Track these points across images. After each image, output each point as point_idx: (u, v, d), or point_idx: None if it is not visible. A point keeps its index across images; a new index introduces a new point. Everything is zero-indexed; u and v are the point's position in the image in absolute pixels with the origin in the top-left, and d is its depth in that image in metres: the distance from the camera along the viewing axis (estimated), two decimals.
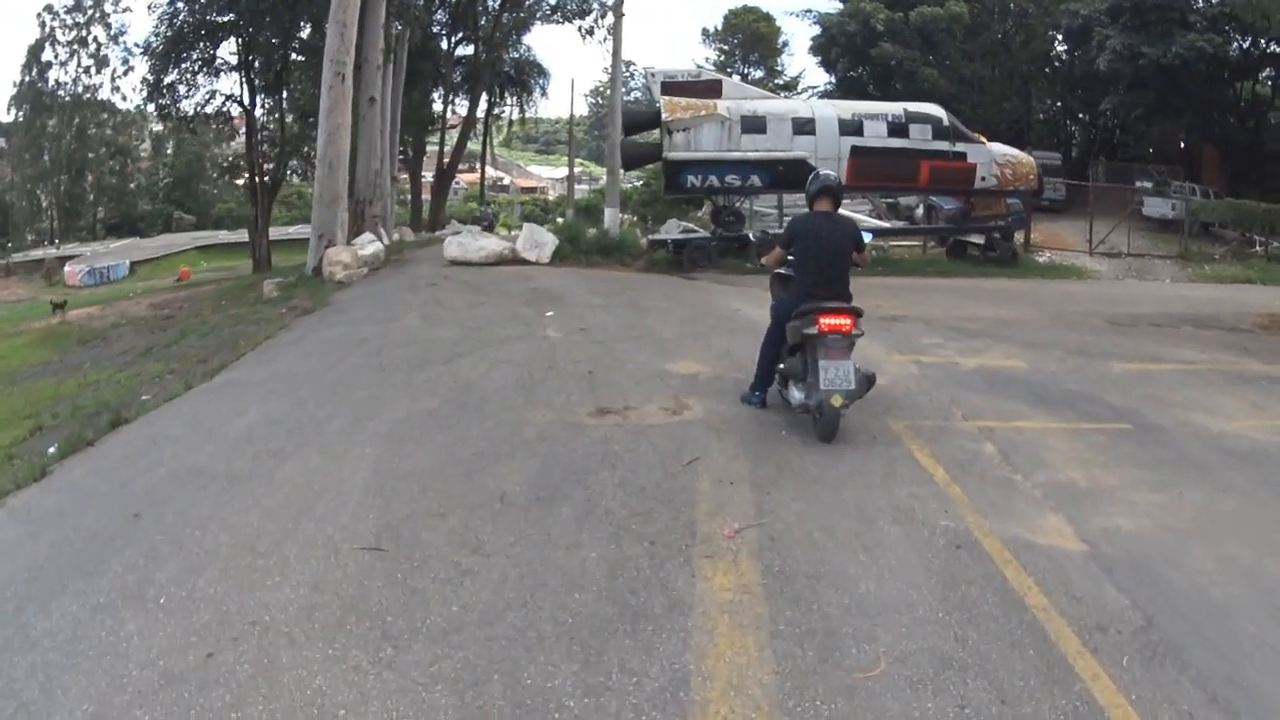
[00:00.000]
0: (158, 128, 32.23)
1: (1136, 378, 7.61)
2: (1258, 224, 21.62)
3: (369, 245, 14.93)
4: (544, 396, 6.30)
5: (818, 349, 5.30)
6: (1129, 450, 5.48)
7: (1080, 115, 35.88)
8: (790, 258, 5.95)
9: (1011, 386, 7.07)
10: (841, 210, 5.96)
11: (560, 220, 27.12)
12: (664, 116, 15.92)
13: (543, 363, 7.33)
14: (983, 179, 16.58)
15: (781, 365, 5.73)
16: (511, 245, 15.51)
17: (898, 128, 16.37)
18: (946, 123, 16.58)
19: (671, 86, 16.72)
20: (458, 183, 55.30)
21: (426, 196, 37.67)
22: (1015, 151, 17.79)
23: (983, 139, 17.41)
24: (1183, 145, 28.87)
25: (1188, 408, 6.57)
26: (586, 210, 27.80)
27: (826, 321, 5.28)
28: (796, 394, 5.47)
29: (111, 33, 25.85)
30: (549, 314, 9.87)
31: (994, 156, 16.74)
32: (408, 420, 5.75)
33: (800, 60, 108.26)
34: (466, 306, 10.51)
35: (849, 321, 5.32)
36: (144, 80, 25.48)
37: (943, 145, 16.30)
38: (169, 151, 48.11)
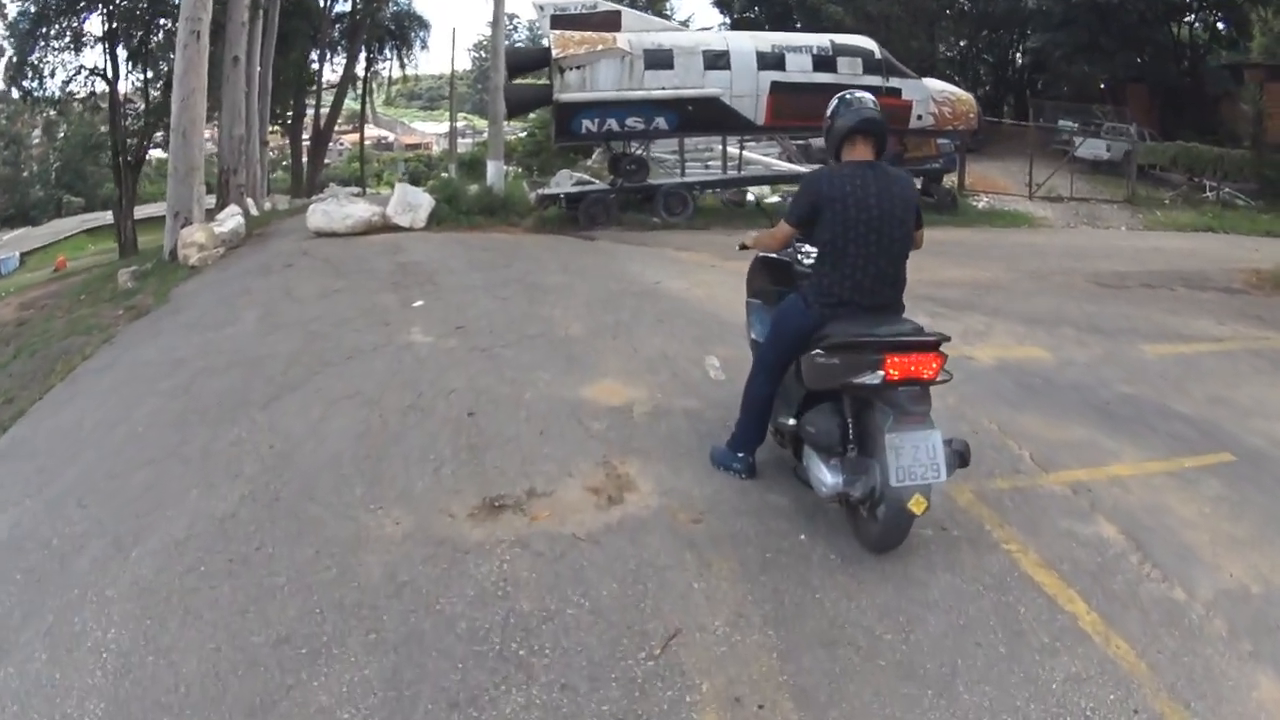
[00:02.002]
0: (51, 113, 29.28)
1: (1178, 367, 6.22)
2: (1209, 168, 20.62)
3: (229, 220, 12.24)
4: (399, 473, 3.92)
5: (879, 411, 3.03)
6: (1257, 503, 3.95)
7: (985, 56, 34.80)
8: (800, 240, 3.55)
9: (1055, 394, 5.34)
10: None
11: (444, 175, 24.35)
12: (554, 53, 13.36)
13: (401, 396, 4.90)
14: (919, 118, 14.66)
15: (790, 421, 3.33)
16: (382, 210, 12.80)
17: (824, 61, 14.23)
18: (878, 56, 14.53)
19: (563, 20, 14.16)
20: (341, 143, 51.51)
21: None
22: (953, 88, 15.95)
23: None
24: (1104, 86, 27.77)
25: (1265, 415, 5.18)
26: (470, 165, 24.99)
27: (899, 362, 2.96)
28: (828, 476, 3.14)
29: (7, 20, 24.25)
30: (417, 304, 7.35)
31: (931, 94, 14.85)
32: (184, 548, 3.31)
33: (690, 3, 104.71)
34: (318, 296, 7.94)
35: (936, 362, 3.00)
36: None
37: (875, 80, 14.26)
38: (60, 135, 44.55)
